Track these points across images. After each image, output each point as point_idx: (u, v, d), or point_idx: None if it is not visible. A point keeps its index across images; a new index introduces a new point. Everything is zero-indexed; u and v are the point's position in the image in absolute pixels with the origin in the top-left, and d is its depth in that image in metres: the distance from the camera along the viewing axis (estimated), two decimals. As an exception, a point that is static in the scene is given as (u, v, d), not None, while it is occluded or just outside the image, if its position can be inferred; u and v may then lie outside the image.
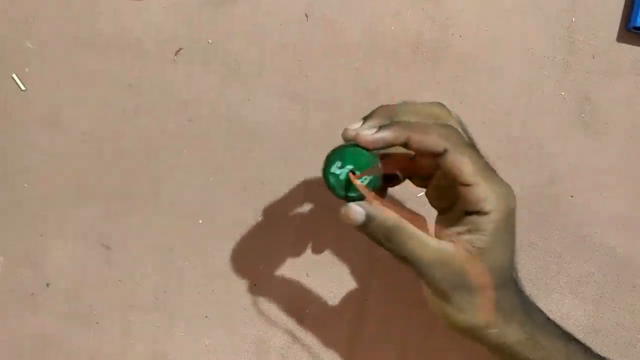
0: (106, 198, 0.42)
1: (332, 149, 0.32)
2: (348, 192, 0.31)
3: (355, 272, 0.44)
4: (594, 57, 0.44)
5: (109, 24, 0.42)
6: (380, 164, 0.31)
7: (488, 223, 0.30)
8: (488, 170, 0.31)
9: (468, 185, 0.30)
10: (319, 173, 0.32)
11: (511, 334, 0.33)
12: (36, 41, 0.42)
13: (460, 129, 0.32)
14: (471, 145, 0.31)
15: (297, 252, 0.43)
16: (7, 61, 0.42)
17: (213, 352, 0.43)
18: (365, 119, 0.32)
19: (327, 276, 0.43)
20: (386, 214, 0.31)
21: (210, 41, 0.43)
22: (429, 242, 0.31)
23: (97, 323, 0.41)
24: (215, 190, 0.43)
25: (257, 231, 0.43)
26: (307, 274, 0.43)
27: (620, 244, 0.44)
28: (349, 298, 0.43)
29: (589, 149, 0.45)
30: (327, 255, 0.43)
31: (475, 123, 0.44)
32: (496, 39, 0.44)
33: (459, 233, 0.31)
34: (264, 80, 0.43)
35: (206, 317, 0.43)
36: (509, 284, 0.33)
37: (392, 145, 0.31)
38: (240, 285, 0.43)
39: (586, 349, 0.35)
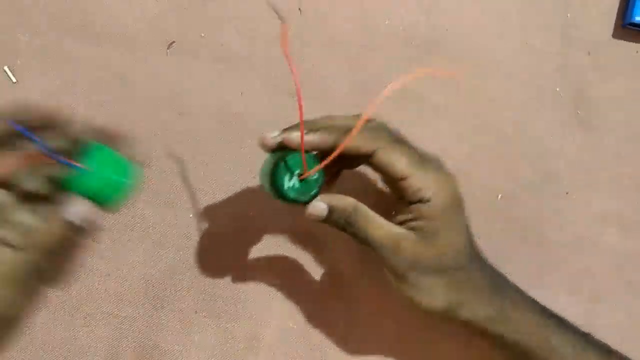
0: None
1: (264, 174, 0.34)
2: (310, 191, 0.33)
3: (345, 268, 0.43)
4: (589, 54, 0.45)
5: (102, 17, 0.42)
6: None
7: (432, 209, 0.32)
8: (423, 161, 0.33)
9: (404, 178, 0.32)
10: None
11: (478, 310, 0.34)
12: (28, 33, 0.42)
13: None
14: (400, 141, 0.33)
15: (288, 248, 0.43)
16: None
17: (203, 347, 0.42)
18: (284, 130, 0.33)
19: (318, 273, 0.43)
20: (345, 201, 0.33)
21: (202, 34, 0.43)
22: (385, 226, 0.33)
23: (85, 317, 0.41)
24: (207, 184, 0.43)
25: (249, 226, 0.43)
26: (298, 270, 0.43)
27: (616, 241, 0.44)
28: (340, 294, 0.43)
29: (585, 146, 0.45)
30: (317, 251, 0.43)
31: (469, 118, 0.44)
32: (491, 34, 0.44)
33: (409, 220, 0.33)
34: (257, 73, 0.43)
35: (195, 312, 0.42)
36: (468, 265, 0.34)
37: (320, 148, 0.32)
38: (231, 280, 0.43)
39: (561, 322, 0.36)
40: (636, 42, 0.45)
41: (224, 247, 0.43)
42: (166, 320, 0.42)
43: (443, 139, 0.44)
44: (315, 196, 0.33)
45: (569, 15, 0.44)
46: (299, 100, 0.30)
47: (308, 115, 0.43)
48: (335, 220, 0.33)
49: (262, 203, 0.43)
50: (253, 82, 0.43)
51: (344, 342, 0.43)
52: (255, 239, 0.43)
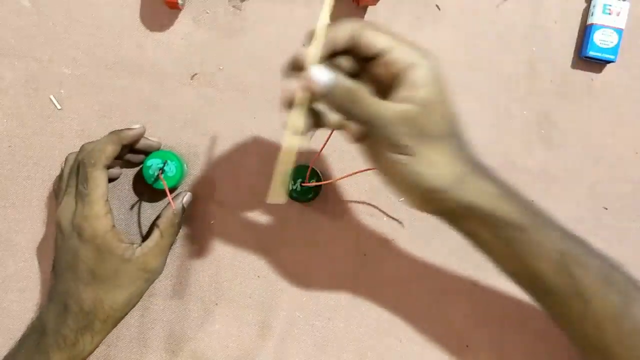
0: (129, 202, 0.48)
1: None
2: (308, 195, 0.46)
3: (345, 266, 0.49)
4: (551, 81, 0.50)
5: (134, 52, 0.48)
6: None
7: (423, 75, 0.32)
8: (400, 38, 0.33)
9: (387, 52, 0.32)
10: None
11: (485, 187, 0.34)
12: (71, 67, 0.48)
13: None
14: (375, 26, 0.33)
15: (296, 249, 0.49)
16: (45, 84, 0.47)
17: (222, 334, 0.48)
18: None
19: (321, 270, 0.49)
20: (347, 82, 0.32)
21: (221, 67, 0.48)
22: (388, 104, 0.32)
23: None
24: (226, 195, 0.48)
25: (261, 232, 0.49)
26: (304, 267, 0.49)
27: None
28: (340, 289, 0.49)
29: (547, 160, 0.50)
30: (321, 252, 0.49)
31: None
32: (466, 65, 0.50)
33: (406, 95, 0.32)
34: (267, 100, 0.49)
35: (216, 304, 0.48)
36: (462, 135, 0.35)
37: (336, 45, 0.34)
38: (246, 276, 0.48)
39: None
40: (591, 71, 0.50)
41: (238, 248, 0.48)
42: (191, 311, 0.48)
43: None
44: (311, 199, 0.46)
45: (534, 49, 0.50)
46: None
47: (313, 137, 0.49)
48: (336, 95, 0.32)
49: (274, 214, 0.49)
50: (264, 107, 0.49)
51: (345, 331, 0.49)
52: (267, 244, 0.49)
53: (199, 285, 0.48)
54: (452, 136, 0.34)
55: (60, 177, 0.44)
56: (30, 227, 0.48)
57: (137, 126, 0.44)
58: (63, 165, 0.44)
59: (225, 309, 0.48)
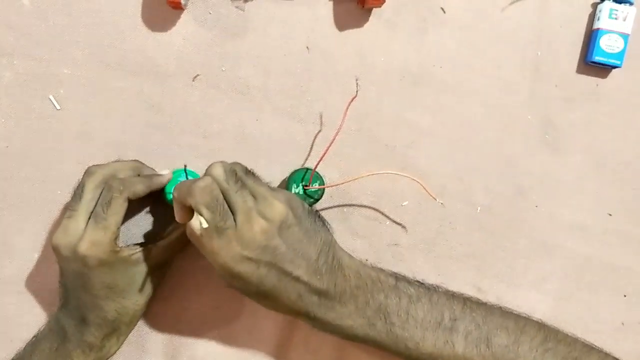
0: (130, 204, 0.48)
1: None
2: (310, 199, 0.46)
3: None
4: (556, 86, 0.50)
5: (135, 53, 0.47)
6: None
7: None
8: (220, 226, 0.38)
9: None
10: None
11: (340, 312, 0.40)
12: (70, 67, 0.47)
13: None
14: (211, 206, 0.38)
15: None
16: (45, 84, 0.47)
17: (223, 339, 0.48)
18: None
19: None
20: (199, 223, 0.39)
21: (223, 69, 0.48)
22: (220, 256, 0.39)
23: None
24: None
25: None
26: None
27: (578, 247, 0.50)
28: None
29: (552, 165, 0.50)
30: None
31: (453, 141, 0.50)
32: (471, 69, 0.50)
33: None
34: (270, 103, 0.48)
35: (217, 308, 0.48)
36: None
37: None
38: None
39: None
40: (596, 76, 0.50)
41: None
42: (190, 315, 0.48)
43: (431, 160, 0.49)
44: (314, 203, 0.46)
45: (539, 53, 0.50)
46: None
47: (311, 138, 0.48)
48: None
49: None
50: (266, 110, 0.48)
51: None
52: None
53: (198, 291, 0.48)
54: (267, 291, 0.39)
55: (79, 195, 0.41)
56: (29, 228, 0.47)
57: (165, 171, 0.44)
58: (82, 178, 0.42)
59: (226, 314, 0.48)
